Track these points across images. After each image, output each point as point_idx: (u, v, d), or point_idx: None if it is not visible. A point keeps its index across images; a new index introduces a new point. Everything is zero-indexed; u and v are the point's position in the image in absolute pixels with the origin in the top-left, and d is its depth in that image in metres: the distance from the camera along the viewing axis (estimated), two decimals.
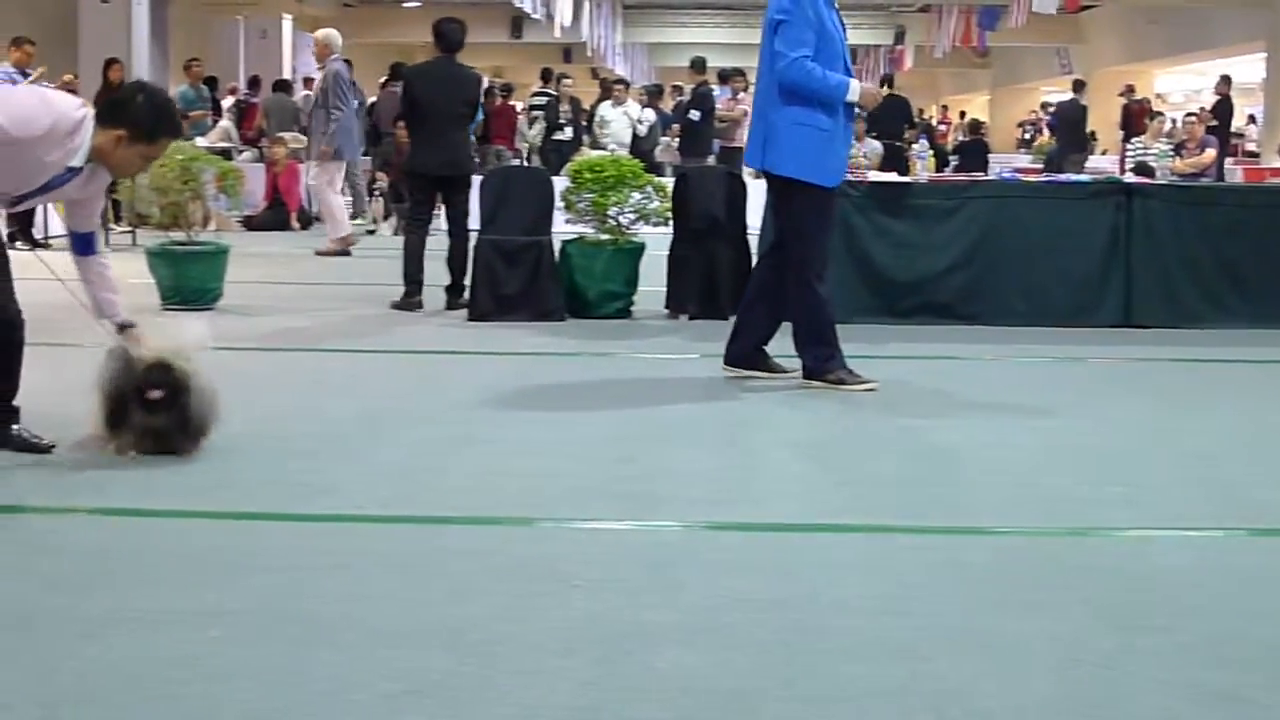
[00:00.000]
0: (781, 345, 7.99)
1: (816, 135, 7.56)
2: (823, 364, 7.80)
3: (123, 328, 5.92)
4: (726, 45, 41.98)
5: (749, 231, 10.84)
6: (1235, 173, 16.55)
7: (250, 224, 18.53)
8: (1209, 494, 5.78)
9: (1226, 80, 25.57)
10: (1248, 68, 35.25)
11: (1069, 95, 26.77)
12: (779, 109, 7.58)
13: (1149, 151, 16.37)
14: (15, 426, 5.94)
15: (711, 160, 18.86)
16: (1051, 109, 33.20)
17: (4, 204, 5.88)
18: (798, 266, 7.74)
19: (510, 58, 40.73)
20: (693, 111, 19.00)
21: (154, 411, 5.83)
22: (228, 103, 24.58)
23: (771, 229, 8.11)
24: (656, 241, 10.93)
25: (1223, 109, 24.11)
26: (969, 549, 4.95)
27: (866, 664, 3.79)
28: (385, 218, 19.23)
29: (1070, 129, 24.21)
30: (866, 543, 5.02)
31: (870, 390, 7.70)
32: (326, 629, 4.00)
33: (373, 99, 21.95)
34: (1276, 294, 10.44)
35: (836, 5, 7.86)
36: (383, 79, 22.72)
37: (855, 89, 7.63)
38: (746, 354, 8.01)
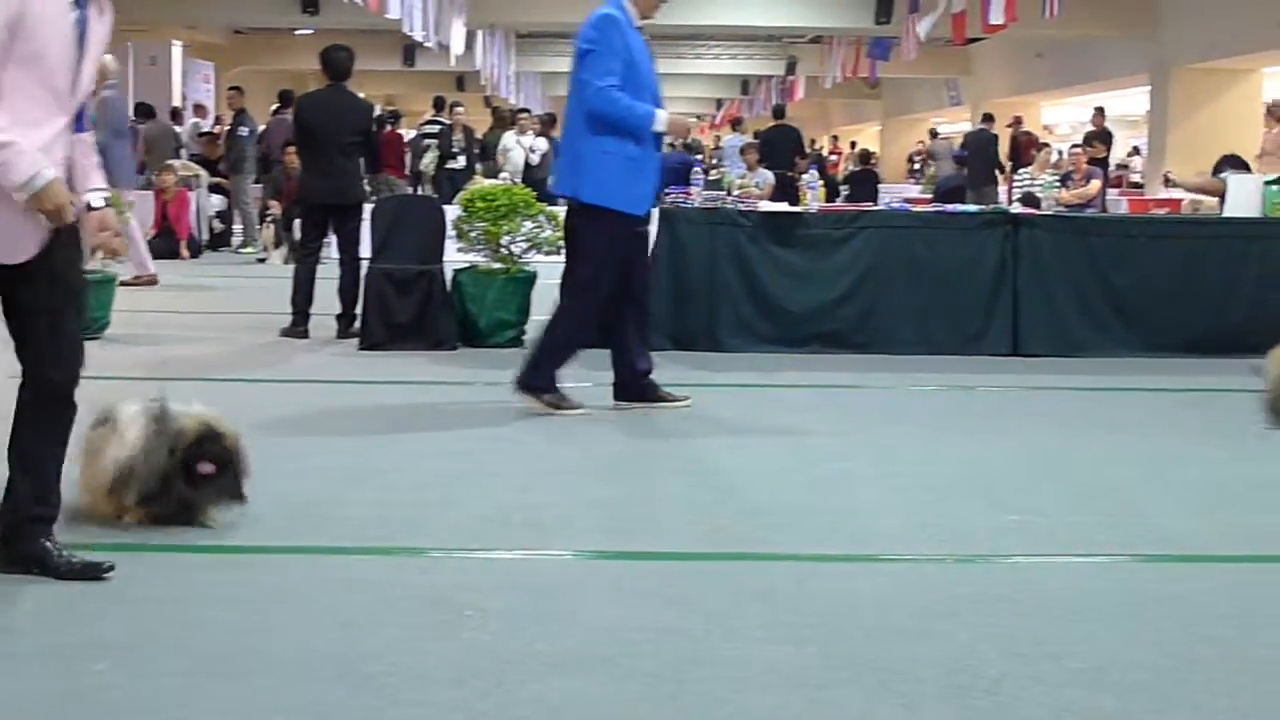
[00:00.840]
0: (681, 375, 8.00)
1: (624, 163, 7.61)
2: (538, 383, 7.86)
3: (90, 209, 4.88)
4: None
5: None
6: (1120, 204, 16.79)
7: None
8: (1099, 520, 5.84)
9: (1100, 112, 25.97)
10: (1133, 100, 35.87)
11: (968, 126, 27.05)
12: (587, 138, 7.61)
13: (1036, 182, 16.57)
14: (49, 542, 4.75)
15: None
16: (941, 139, 33.51)
17: (67, 109, 4.65)
18: (578, 289, 7.83)
19: (403, 85, 40.70)
20: None
21: (200, 485, 5.35)
22: None
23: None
24: (549, 270, 10.93)
25: (1100, 140, 24.44)
26: (862, 576, 4.98)
27: (760, 693, 3.81)
28: (276, 245, 19.09)
29: (981, 160, 24.38)
30: (761, 571, 5.03)
31: (579, 413, 7.82)
32: (218, 661, 3.96)
33: (263, 126, 21.80)
34: (1160, 322, 10.60)
35: (645, 36, 7.94)
36: (274, 106, 22.60)
37: (662, 119, 7.69)
38: (636, 385, 8.04)
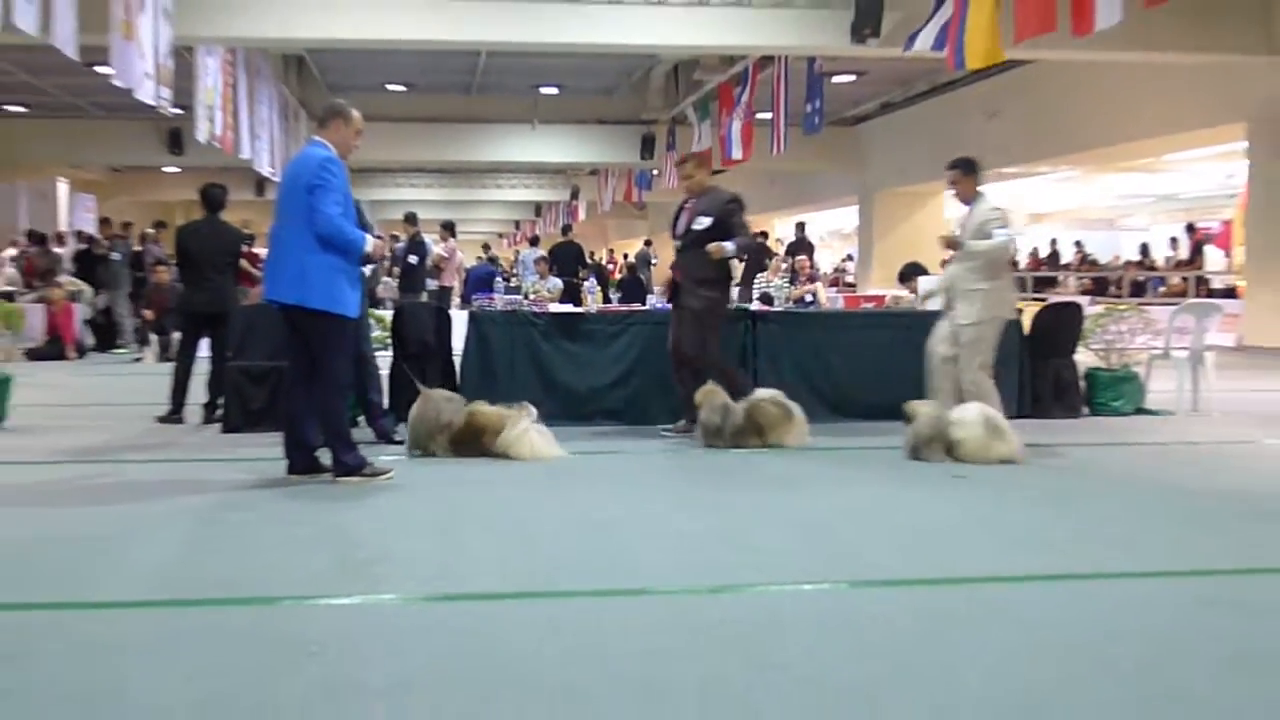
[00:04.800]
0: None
1: (345, 277, 7.69)
2: (360, 461, 7.90)
3: None
4: (434, 201, 42.00)
5: (454, 354, 10.86)
6: (837, 300, 17.28)
7: (32, 355, 17.87)
8: (820, 556, 5.94)
9: (801, 226, 26.63)
10: (845, 217, 36.77)
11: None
12: (315, 254, 7.58)
13: (771, 285, 16.90)
14: None
15: (425, 296, 18.80)
16: (644, 249, 34.17)
17: None
18: (332, 382, 7.81)
19: (256, 212, 40.11)
20: (411, 256, 18.94)
21: None
22: (11, 253, 23.61)
23: (295, 358, 7.96)
24: (378, 363, 10.84)
25: (799, 247, 24.98)
26: (634, 608, 5.00)
27: (549, 706, 3.80)
28: (142, 344, 18.85)
29: (753, 262, 24.63)
30: (552, 607, 5.02)
31: (389, 478, 7.88)
32: (90, 705, 3.83)
33: (139, 248, 21.37)
34: (868, 394, 10.83)
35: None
36: (149, 229, 22.17)
37: (370, 243, 7.84)
38: (309, 463, 7.99)
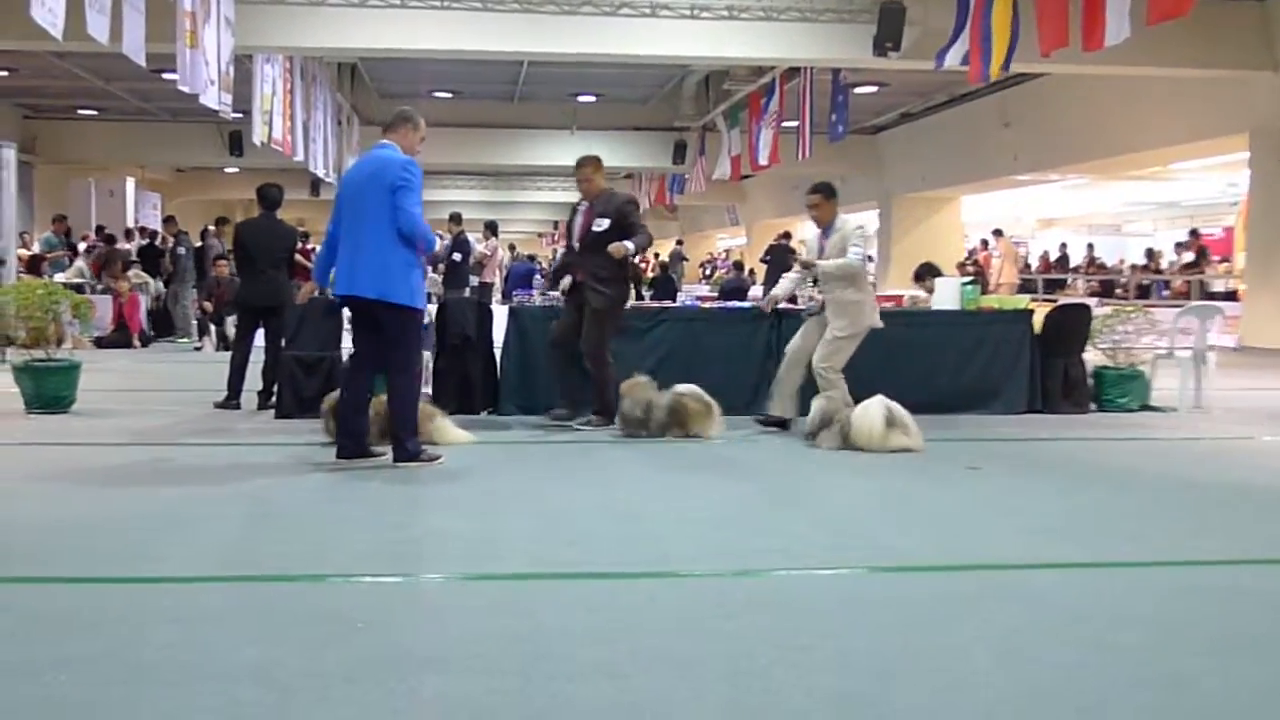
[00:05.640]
0: (524, 435, 7.92)
1: (418, 272, 7.72)
2: (419, 449, 7.88)
3: None
4: (477, 202, 42.06)
5: (494, 347, 10.87)
6: None
7: (100, 343, 18.00)
8: (839, 542, 5.91)
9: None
10: (868, 220, 36.47)
11: (744, 240, 27.38)
12: (395, 250, 7.56)
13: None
14: None
15: (467, 292, 18.84)
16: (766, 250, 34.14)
17: None
18: (405, 369, 7.78)
19: (311, 210, 40.27)
20: (455, 254, 19.00)
21: None
22: (81, 246, 23.78)
23: (363, 350, 7.95)
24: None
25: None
26: (661, 589, 5.00)
27: (584, 683, 3.80)
28: (201, 335, 18.96)
29: (778, 263, 24.70)
30: (583, 586, 5.03)
31: (441, 463, 7.85)
32: (157, 670, 3.86)
33: (199, 244, 21.47)
34: (882, 389, 10.73)
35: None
36: (209, 226, 22.29)
37: (435, 241, 7.84)
38: (358, 450, 7.96)
